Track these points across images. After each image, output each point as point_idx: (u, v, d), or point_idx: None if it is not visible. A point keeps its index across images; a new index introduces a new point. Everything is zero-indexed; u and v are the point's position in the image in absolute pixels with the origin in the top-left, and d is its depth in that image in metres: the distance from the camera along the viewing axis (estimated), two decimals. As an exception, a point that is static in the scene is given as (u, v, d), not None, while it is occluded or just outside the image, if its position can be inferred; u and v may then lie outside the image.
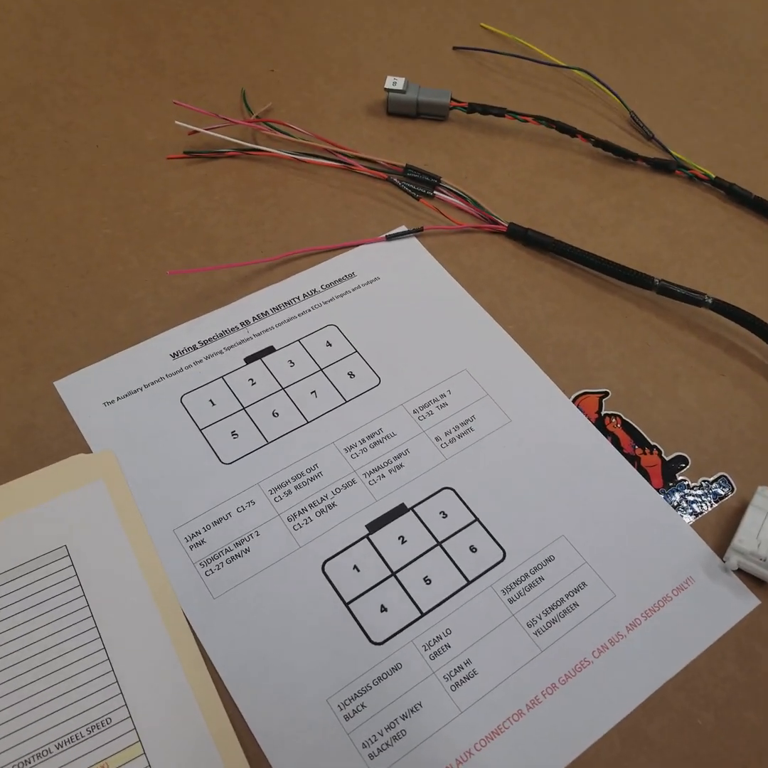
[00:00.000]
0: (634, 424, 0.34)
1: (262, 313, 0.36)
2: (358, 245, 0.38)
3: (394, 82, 0.42)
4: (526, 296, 0.37)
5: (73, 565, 0.28)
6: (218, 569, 0.29)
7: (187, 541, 0.29)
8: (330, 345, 0.35)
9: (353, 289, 0.37)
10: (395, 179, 0.40)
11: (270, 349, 0.35)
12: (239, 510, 0.30)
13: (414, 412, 0.33)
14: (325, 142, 0.41)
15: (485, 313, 0.37)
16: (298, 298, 0.36)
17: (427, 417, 0.33)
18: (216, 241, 0.38)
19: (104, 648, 0.27)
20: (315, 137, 0.41)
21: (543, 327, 0.37)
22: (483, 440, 0.33)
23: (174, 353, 0.34)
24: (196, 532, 0.30)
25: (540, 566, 0.30)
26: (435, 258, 0.38)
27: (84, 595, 0.28)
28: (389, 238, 0.38)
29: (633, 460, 0.33)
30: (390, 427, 0.33)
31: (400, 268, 0.38)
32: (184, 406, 0.33)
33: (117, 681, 0.26)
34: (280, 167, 0.41)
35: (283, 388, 0.34)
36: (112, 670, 0.27)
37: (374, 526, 0.30)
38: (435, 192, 0.40)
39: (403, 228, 0.39)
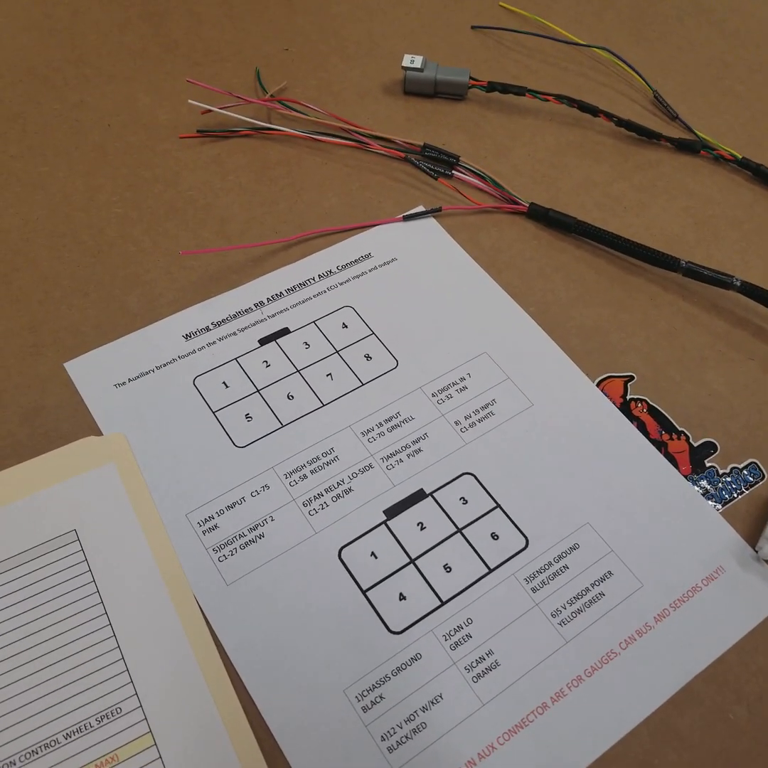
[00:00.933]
0: (660, 409, 0.33)
1: (276, 294, 0.35)
2: (374, 225, 0.37)
3: (412, 61, 0.41)
4: (548, 278, 0.36)
5: (82, 550, 0.27)
6: (232, 555, 0.28)
7: (200, 526, 0.28)
8: (346, 327, 0.34)
9: (370, 270, 0.36)
10: (413, 158, 0.39)
11: (285, 331, 0.34)
12: (253, 494, 0.29)
13: (433, 395, 0.32)
14: (341, 120, 0.40)
15: (506, 295, 0.36)
16: (314, 279, 0.35)
17: (446, 400, 0.32)
18: (229, 221, 0.37)
19: (114, 635, 0.26)
20: (330, 116, 0.40)
21: (566, 309, 0.35)
22: (504, 424, 0.32)
23: (187, 334, 0.33)
24: (209, 517, 0.29)
25: (564, 554, 0.29)
26: (453, 239, 0.37)
27: (94, 580, 0.27)
28: (406, 218, 0.37)
29: (660, 445, 0.32)
30: (408, 410, 0.32)
31: (418, 248, 0.37)
32: (196, 388, 0.32)
33: (127, 669, 0.26)
34: (294, 147, 0.40)
35: (298, 371, 0.33)
36: (123, 658, 0.26)
37: (392, 512, 0.29)
38: (453, 172, 0.39)
39: (420, 208, 0.38)
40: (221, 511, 0.29)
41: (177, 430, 0.30)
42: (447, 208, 0.38)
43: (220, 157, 0.39)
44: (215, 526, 0.28)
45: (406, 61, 0.41)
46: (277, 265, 0.35)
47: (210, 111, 0.39)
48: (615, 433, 0.32)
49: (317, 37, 0.45)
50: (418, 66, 0.41)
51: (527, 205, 0.38)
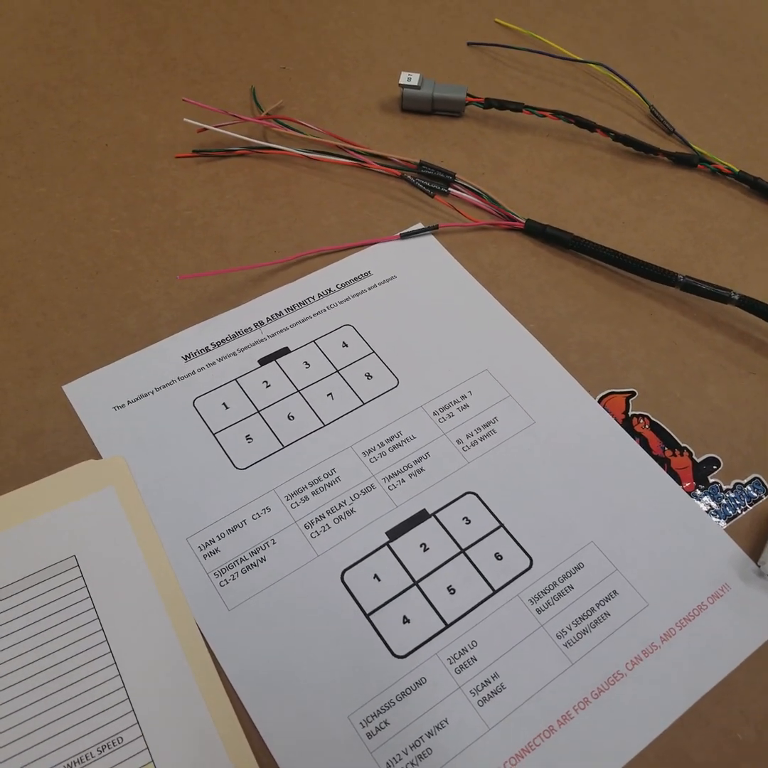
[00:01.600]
0: (662, 425, 0.33)
1: (276, 314, 0.35)
2: (373, 244, 0.37)
3: (409, 78, 0.41)
4: (547, 294, 0.36)
5: (82, 575, 0.27)
6: (233, 579, 0.28)
7: (201, 549, 0.28)
8: (346, 346, 0.34)
9: (369, 289, 0.36)
10: (409, 176, 0.39)
11: (285, 351, 0.33)
12: (254, 517, 0.29)
13: (434, 414, 0.32)
14: (337, 138, 0.40)
15: (506, 312, 0.35)
16: (313, 298, 0.35)
17: (448, 419, 0.32)
18: (228, 240, 0.37)
19: (115, 663, 0.26)
20: (327, 134, 0.40)
21: (566, 326, 0.35)
22: (506, 442, 0.32)
23: (186, 355, 0.33)
24: (210, 541, 0.28)
25: (569, 574, 0.29)
26: (453, 256, 0.37)
27: (94, 607, 0.27)
28: (404, 236, 0.37)
29: (662, 462, 0.32)
30: (409, 429, 0.32)
31: (417, 266, 0.37)
32: (196, 409, 0.31)
33: (128, 698, 0.25)
34: (292, 166, 0.40)
35: (298, 391, 0.32)
36: (123, 686, 0.25)
37: (395, 533, 0.29)
38: (450, 189, 0.39)
39: (418, 225, 0.38)
40: (222, 535, 0.29)
41: (177, 452, 0.30)
42: (444, 225, 0.38)
43: (218, 176, 0.39)
44: (216, 550, 0.28)
45: (403, 78, 0.41)
46: (276, 285, 0.35)
47: (206, 130, 0.39)
48: (617, 450, 0.32)
49: (314, 55, 0.45)
50: (415, 83, 0.41)
51: (524, 222, 0.38)
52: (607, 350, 0.35)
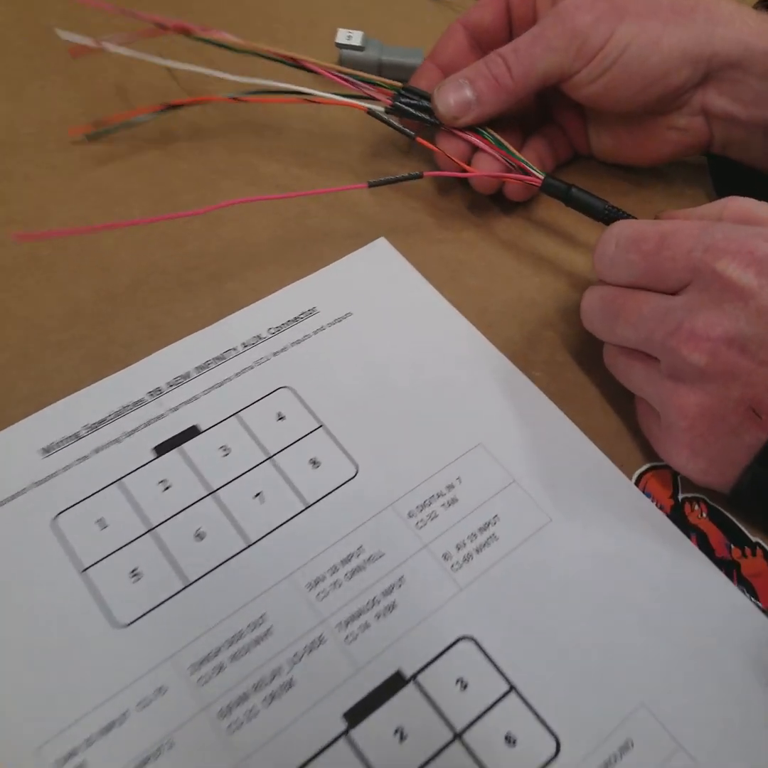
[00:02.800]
0: (725, 512, 0.24)
1: (181, 376, 0.25)
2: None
3: (349, 37, 0.31)
4: (558, 325, 0.27)
5: None
6: (107, 816, 0.18)
7: (58, 766, 0.18)
8: (283, 418, 0.24)
9: (315, 332, 0.26)
10: (379, 112, 0.27)
11: (193, 431, 0.24)
12: (140, 706, 0.19)
13: (410, 515, 0.23)
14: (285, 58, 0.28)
15: (502, 357, 0.26)
16: (236, 349, 0.25)
17: (429, 522, 0.23)
18: (114, 272, 0.26)
19: None
20: (268, 52, 0.28)
21: (585, 373, 0.26)
22: (513, 554, 0.22)
23: (46, 447, 0.23)
24: (72, 752, 0.19)
25: (612, 760, 0.20)
26: (429, 282, 0.27)
27: None
28: (372, 185, 0.27)
29: (730, 566, 0.23)
30: (375, 543, 0.22)
31: (381, 295, 0.27)
32: (58, 531, 0.22)
33: None
34: (206, 168, 0.30)
35: (211, 493, 0.23)
36: None
37: (356, 716, 0.20)
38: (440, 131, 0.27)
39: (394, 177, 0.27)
40: (91, 740, 0.19)
41: (24, 604, 0.20)
42: (429, 174, 0.28)
43: (106, 181, 0.29)
44: (81, 766, 0.18)
45: (342, 36, 0.31)
46: (183, 333, 0.25)
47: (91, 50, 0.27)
48: (667, 554, 0.23)
49: (237, 17, 0.35)
50: (358, 43, 0.31)
51: (541, 178, 0.27)
52: (644, 407, 0.25)
